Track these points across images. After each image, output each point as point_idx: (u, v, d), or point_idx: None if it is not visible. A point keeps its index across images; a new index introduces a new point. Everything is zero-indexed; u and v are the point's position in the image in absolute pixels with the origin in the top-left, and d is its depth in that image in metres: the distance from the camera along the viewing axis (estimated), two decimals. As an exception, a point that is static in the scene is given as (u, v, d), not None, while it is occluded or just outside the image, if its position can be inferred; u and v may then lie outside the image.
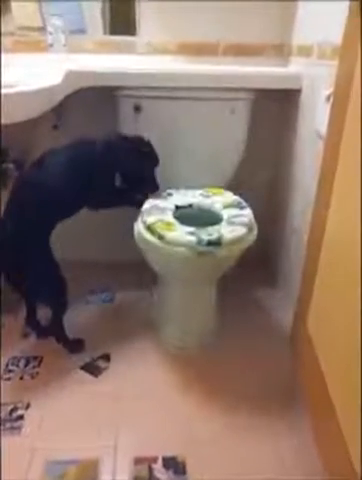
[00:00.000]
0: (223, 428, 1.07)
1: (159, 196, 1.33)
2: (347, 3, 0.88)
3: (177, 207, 1.27)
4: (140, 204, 1.28)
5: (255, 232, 1.19)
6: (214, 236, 1.08)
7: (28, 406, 1.11)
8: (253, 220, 1.21)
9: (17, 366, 1.24)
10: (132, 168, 1.25)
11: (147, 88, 1.32)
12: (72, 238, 1.62)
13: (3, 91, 0.92)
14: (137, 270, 1.42)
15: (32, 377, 1.20)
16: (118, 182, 1.26)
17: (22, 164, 1.49)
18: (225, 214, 1.22)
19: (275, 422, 1.09)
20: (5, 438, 1.03)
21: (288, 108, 1.49)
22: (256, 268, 1.62)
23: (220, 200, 1.31)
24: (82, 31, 1.43)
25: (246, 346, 1.34)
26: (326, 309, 1.00)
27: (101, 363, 1.25)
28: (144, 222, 1.17)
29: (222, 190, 1.40)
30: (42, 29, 1.39)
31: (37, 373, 1.22)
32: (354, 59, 0.84)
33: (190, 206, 1.30)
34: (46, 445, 1.02)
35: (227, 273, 1.21)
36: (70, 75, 1.21)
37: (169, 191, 1.39)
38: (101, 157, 1.20)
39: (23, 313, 1.34)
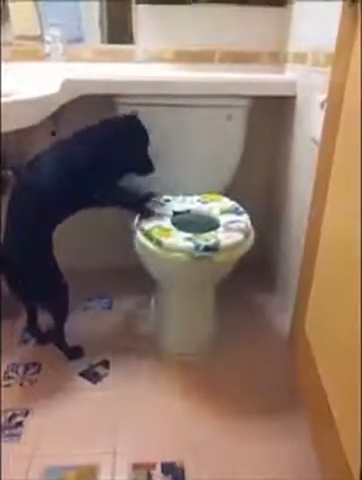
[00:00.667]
0: (222, 434, 1.07)
1: (157, 203, 1.34)
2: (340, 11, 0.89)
3: (175, 213, 1.28)
4: (144, 211, 1.25)
5: (252, 238, 1.20)
6: (211, 242, 1.09)
7: (27, 413, 1.11)
8: (250, 226, 1.22)
9: (16, 373, 1.24)
10: (121, 150, 1.18)
11: (144, 96, 1.34)
12: (70, 245, 1.63)
13: (2, 100, 0.93)
14: (135, 276, 1.42)
15: (31, 384, 1.20)
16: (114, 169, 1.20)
17: (20, 171, 1.50)
18: (222, 220, 1.23)
19: (274, 427, 1.09)
20: (4, 445, 1.03)
21: (284, 114, 1.50)
22: (254, 273, 1.63)
23: (217, 206, 1.32)
24: (80, 40, 1.45)
25: (244, 351, 1.34)
26: (323, 313, 1.01)
27: (100, 370, 1.25)
28: (142, 228, 1.18)
29: (219, 196, 1.41)
30: (40, 38, 1.41)
31: (36, 380, 1.22)
32: (346, 66, 0.85)
33: (187, 212, 1.31)
34: (45, 451, 1.02)
35: (225, 278, 1.22)
36: (68, 84, 1.22)
37: (166, 197, 1.40)
38: (86, 148, 1.16)
39: (22, 319, 1.35)
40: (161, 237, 1.11)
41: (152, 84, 1.33)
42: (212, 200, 1.37)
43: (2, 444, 1.03)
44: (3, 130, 0.94)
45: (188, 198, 1.40)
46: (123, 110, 1.36)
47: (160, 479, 0.96)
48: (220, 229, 1.18)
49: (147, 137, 1.24)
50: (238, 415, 1.12)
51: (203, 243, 1.08)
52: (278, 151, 1.59)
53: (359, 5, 0.80)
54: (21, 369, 1.25)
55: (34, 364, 1.27)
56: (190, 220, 1.29)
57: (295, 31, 1.38)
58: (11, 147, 1.43)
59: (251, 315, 1.52)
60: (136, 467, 0.98)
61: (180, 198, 1.40)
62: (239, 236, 1.14)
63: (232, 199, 1.38)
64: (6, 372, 1.24)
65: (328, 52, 1.04)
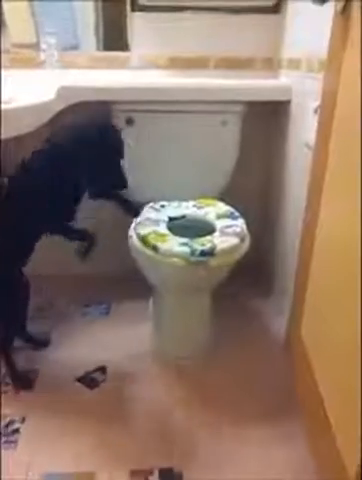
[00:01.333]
0: (219, 438, 1.07)
1: (153, 208, 1.35)
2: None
3: (170, 218, 1.29)
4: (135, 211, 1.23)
5: (248, 242, 1.21)
6: (207, 246, 1.10)
7: (24, 419, 1.11)
8: (246, 230, 1.23)
9: (13, 379, 1.23)
10: (95, 159, 1.08)
11: (140, 102, 1.35)
12: (67, 251, 1.63)
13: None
14: (133, 282, 1.42)
15: (29, 390, 1.20)
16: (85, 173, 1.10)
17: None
18: (218, 224, 1.24)
19: (271, 432, 1.09)
20: (1, 452, 1.02)
21: (278, 120, 1.52)
22: (250, 277, 1.63)
23: (213, 211, 1.33)
24: (75, 47, 1.46)
25: (241, 355, 1.34)
26: (319, 317, 1.01)
27: (97, 375, 1.25)
28: (138, 234, 1.18)
29: (215, 201, 1.42)
30: (36, 46, 1.42)
31: (34, 387, 1.21)
32: (338, 73, 0.86)
33: (183, 217, 1.32)
34: (42, 458, 1.01)
35: (221, 283, 1.22)
36: (63, 91, 1.23)
37: (162, 203, 1.40)
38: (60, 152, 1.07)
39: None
40: (157, 242, 1.12)
41: (147, 90, 1.34)
42: (208, 205, 1.38)
43: (-1, 451, 1.02)
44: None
45: (184, 203, 1.40)
46: (118, 117, 1.37)
47: (158, 485, 0.96)
48: (216, 234, 1.18)
49: (122, 152, 1.14)
50: (235, 419, 1.12)
51: (199, 248, 1.09)
52: (273, 156, 1.60)
53: (351, 12, 0.81)
54: (18, 376, 1.25)
55: (31, 370, 1.27)
56: (186, 225, 1.29)
57: (289, 37, 1.40)
58: (6, 154, 1.43)
59: (247, 319, 1.53)
60: (133, 473, 0.98)
61: (176, 203, 1.41)
62: (235, 240, 1.14)
63: (227, 204, 1.39)
64: (3, 378, 1.23)
65: (322, 58, 1.05)
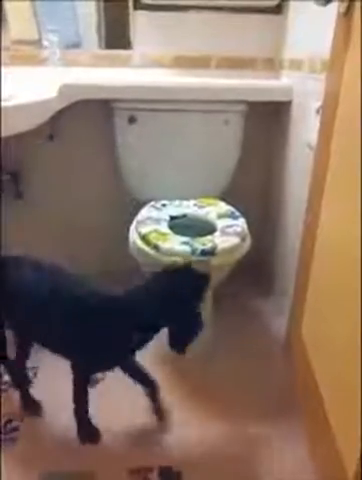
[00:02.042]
0: (218, 438, 1.08)
1: (154, 207, 1.35)
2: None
3: (171, 217, 1.29)
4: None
5: (249, 242, 1.21)
6: (208, 246, 1.10)
7: (23, 418, 1.11)
8: (246, 230, 1.23)
9: (12, 377, 1.23)
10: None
11: (141, 101, 1.34)
12: (65, 248, 1.63)
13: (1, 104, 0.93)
14: (133, 281, 1.41)
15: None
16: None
17: (17, 175, 1.51)
18: (219, 224, 1.24)
19: (271, 431, 1.09)
20: (0, 450, 1.02)
21: (280, 120, 1.52)
22: (250, 277, 1.63)
23: (214, 210, 1.33)
24: (77, 45, 1.46)
25: (242, 355, 1.34)
26: (319, 317, 1.01)
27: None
28: (139, 232, 1.18)
29: (216, 200, 1.42)
30: (37, 43, 1.41)
31: (33, 384, 1.21)
32: (340, 74, 0.86)
33: (184, 216, 1.32)
34: (41, 457, 1.01)
35: (222, 282, 1.23)
36: (65, 88, 1.23)
37: (163, 202, 1.40)
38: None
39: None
40: (158, 241, 1.12)
41: (149, 89, 1.34)
42: (209, 204, 1.38)
43: (-2, 449, 1.02)
44: (1, 135, 0.94)
45: (185, 202, 1.40)
46: (120, 115, 1.37)
47: (157, 484, 0.96)
48: (217, 233, 1.18)
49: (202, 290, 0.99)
50: (234, 419, 1.12)
51: (200, 247, 1.09)
52: (274, 156, 1.60)
53: (354, 14, 0.81)
54: (17, 373, 1.25)
55: (31, 368, 1.26)
56: (187, 224, 1.30)
57: (291, 38, 1.40)
58: (9, 151, 1.43)
59: (248, 319, 1.53)
60: (132, 472, 0.98)
61: (177, 202, 1.41)
62: (236, 240, 1.14)
63: (229, 203, 1.39)
64: (2, 376, 1.23)
65: (324, 59, 1.05)
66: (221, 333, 1.39)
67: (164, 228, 1.20)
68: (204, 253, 1.08)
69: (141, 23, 1.44)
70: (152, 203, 1.40)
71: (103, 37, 1.46)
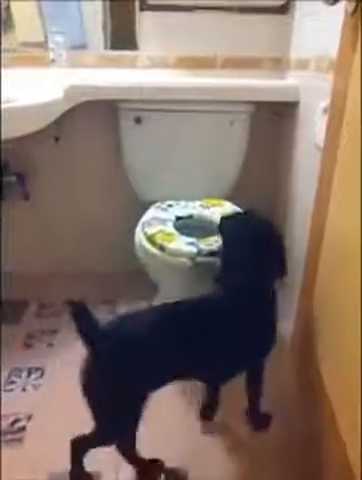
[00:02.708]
0: (224, 440, 1.07)
1: (160, 207, 1.35)
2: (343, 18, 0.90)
3: (177, 218, 1.29)
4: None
5: (254, 242, 1.20)
6: (214, 246, 1.10)
7: (30, 417, 1.12)
8: (252, 231, 1.22)
9: (19, 377, 1.24)
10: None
11: (147, 102, 1.35)
12: (71, 249, 1.64)
13: (5, 106, 0.94)
14: (136, 281, 1.42)
15: (34, 388, 1.20)
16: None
17: (24, 176, 1.51)
18: (225, 225, 1.23)
19: (276, 433, 1.09)
20: (7, 450, 1.03)
21: (287, 120, 1.51)
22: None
23: (220, 211, 1.33)
24: (83, 46, 1.46)
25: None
26: (327, 317, 1.01)
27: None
28: (145, 233, 1.18)
29: (222, 201, 1.41)
30: (44, 44, 1.42)
31: (39, 385, 1.22)
32: (348, 73, 0.86)
33: (190, 217, 1.32)
34: (48, 457, 1.02)
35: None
36: (71, 90, 1.23)
37: (169, 202, 1.40)
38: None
39: (23, 323, 1.33)
40: (164, 242, 1.12)
41: (155, 90, 1.34)
42: (214, 205, 1.38)
43: (4, 449, 1.03)
44: (6, 136, 0.95)
45: (191, 203, 1.40)
46: (126, 116, 1.37)
47: (163, 485, 0.96)
48: (223, 234, 1.18)
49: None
50: (241, 421, 1.12)
51: (206, 248, 1.09)
52: (281, 156, 1.60)
53: (361, 13, 0.81)
54: (24, 374, 1.25)
55: (37, 369, 1.27)
56: (193, 225, 1.29)
57: (297, 37, 1.39)
58: (15, 153, 1.44)
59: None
60: (140, 472, 0.98)
61: (183, 203, 1.41)
62: (242, 241, 1.14)
63: (234, 204, 1.38)
64: (9, 376, 1.24)
65: (331, 58, 1.05)
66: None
67: (170, 229, 1.20)
68: (210, 254, 1.08)
69: (147, 24, 1.44)
70: (158, 204, 1.40)
71: (109, 38, 1.47)
